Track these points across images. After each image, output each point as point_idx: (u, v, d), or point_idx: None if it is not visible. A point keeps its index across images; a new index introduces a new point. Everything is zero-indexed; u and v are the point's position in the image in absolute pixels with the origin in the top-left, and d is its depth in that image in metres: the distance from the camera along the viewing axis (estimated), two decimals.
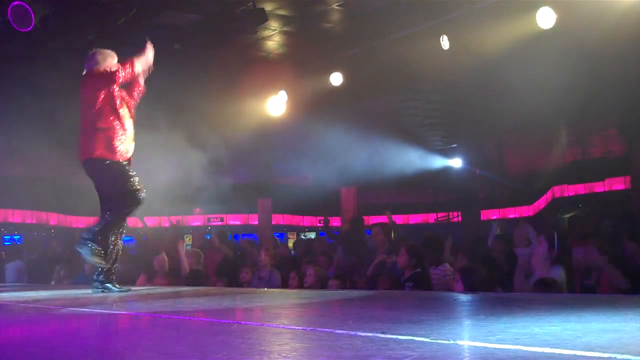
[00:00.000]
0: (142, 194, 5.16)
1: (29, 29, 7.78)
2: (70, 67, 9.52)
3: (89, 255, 4.98)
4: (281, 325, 2.77)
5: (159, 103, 7.47)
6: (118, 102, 5.12)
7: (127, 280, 6.80)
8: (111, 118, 5.08)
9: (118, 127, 5.09)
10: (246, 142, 13.73)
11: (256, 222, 22.43)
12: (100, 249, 5.02)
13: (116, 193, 5.10)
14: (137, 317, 3.27)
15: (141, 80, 5.39)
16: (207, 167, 15.87)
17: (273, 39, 10.88)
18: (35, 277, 9.26)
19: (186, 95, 11.45)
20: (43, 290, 5.91)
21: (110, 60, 5.26)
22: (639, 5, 8.00)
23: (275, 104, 12.52)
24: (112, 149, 5.04)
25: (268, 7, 9.26)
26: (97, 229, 5.08)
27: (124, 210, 5.15)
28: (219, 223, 24.36)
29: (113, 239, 5.15)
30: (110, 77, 5.06)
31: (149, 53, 5.28)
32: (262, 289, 6.60)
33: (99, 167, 5.08)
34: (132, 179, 5.11)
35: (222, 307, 3.71)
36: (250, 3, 8.85)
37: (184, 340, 2.35)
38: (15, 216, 19.10)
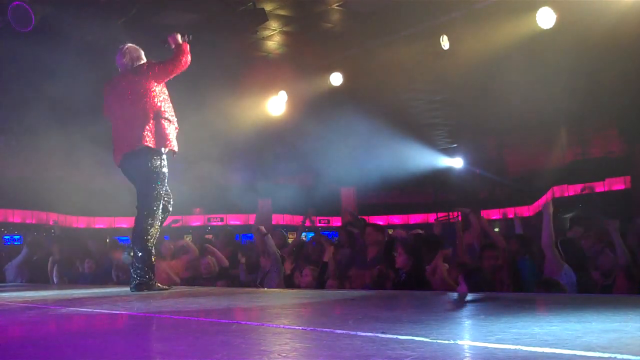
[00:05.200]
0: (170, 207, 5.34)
1: (29, 29, 7.77)
2: (71, 68, 9.55)
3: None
4: (281, 325, 2.77)
5: None
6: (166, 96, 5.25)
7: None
8: (169, 107, 5.23)
9: (173, 119, 5.25)
10: (246, 142, 13.74)
11: None
12: (148, 279, 5.05)
13: (154, 195, 5.12)
14: (137, 317, 3.27)
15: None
16: (207, 167, 15.89)
17: (273, 39, 10.88)
18: (35, 278, 9.22)
19: (186, 95, 11.44)
20: (43, 290, 5.91)
21: (139, 54, 5.32)
22: (639, 5, 8.00)
23: (275, 104, 12.53)
24: (169, 141, 5.14)
25: (268, 7, 9.25)
26: (140, 254, 5.04)
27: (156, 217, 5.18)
28: (219, 223, 24.33)
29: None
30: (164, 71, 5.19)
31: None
32: (262, 289, 6.59)
33: (152, 158, 5.07)
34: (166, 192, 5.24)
35: (222, 307, 3.71)
36: (250, 3, 8.85)
37: (184, 340, 2.35)
38: (15, 216, 19.08)
